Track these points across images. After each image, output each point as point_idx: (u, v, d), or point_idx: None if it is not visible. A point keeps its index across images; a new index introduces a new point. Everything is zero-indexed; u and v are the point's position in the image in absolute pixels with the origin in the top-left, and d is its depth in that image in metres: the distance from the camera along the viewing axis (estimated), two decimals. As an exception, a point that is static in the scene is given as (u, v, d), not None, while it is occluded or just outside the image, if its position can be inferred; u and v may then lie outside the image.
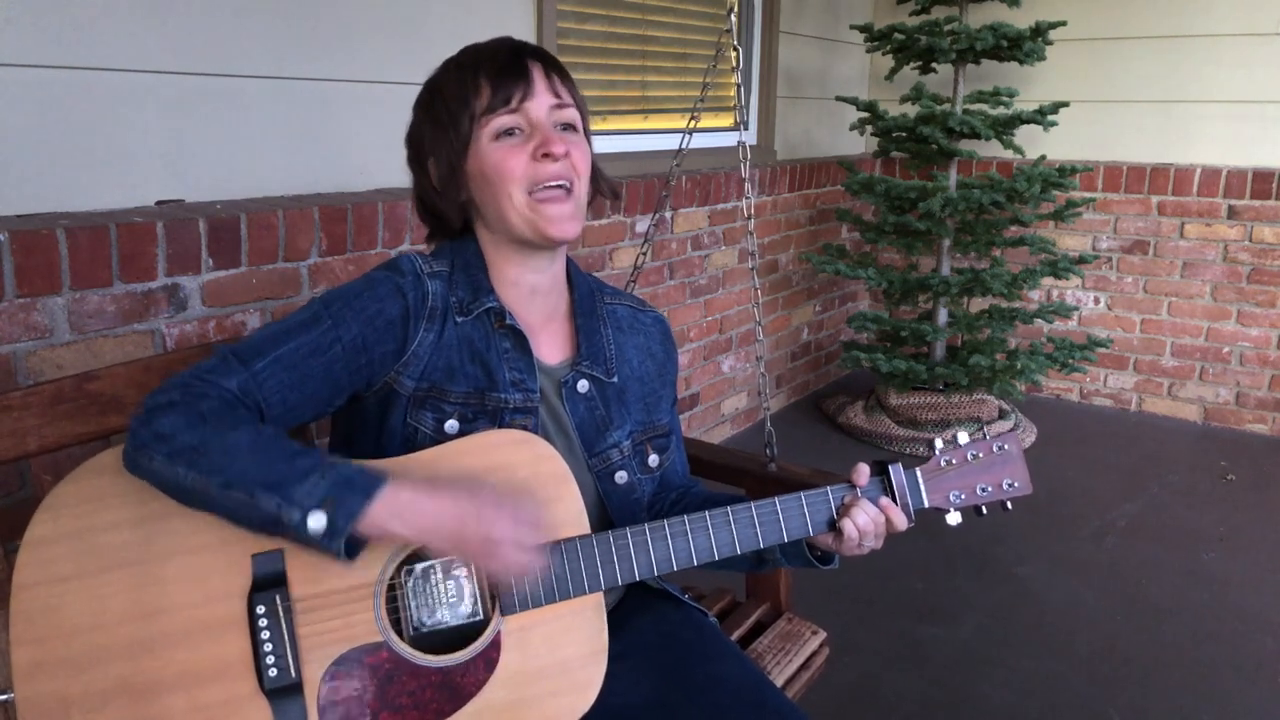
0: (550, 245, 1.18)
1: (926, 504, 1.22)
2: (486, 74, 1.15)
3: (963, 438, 1.24)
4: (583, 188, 1.19)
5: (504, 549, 1.01)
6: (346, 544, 0.98)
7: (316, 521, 0.96)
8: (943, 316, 3.82)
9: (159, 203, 1.91)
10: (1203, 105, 3.84)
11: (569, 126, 1.18)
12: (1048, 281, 4.18)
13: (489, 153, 1.15)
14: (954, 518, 1.24)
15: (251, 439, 0.99)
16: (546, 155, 1.13)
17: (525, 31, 2.66)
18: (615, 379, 1.27)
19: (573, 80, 1.22)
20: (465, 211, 1.23)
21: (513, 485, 1.07)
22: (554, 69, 1.19)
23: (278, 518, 0.96)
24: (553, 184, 1.15)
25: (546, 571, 1.07)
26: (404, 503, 0.99)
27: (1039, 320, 3.77)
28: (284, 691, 1.01)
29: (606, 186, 1.27)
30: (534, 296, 1.23)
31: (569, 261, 1.30)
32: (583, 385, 1.24)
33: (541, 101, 1.15)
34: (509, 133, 1.15)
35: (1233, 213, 3.85)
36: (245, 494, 0.96)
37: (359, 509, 0.97)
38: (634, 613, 1.31)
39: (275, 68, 2.06)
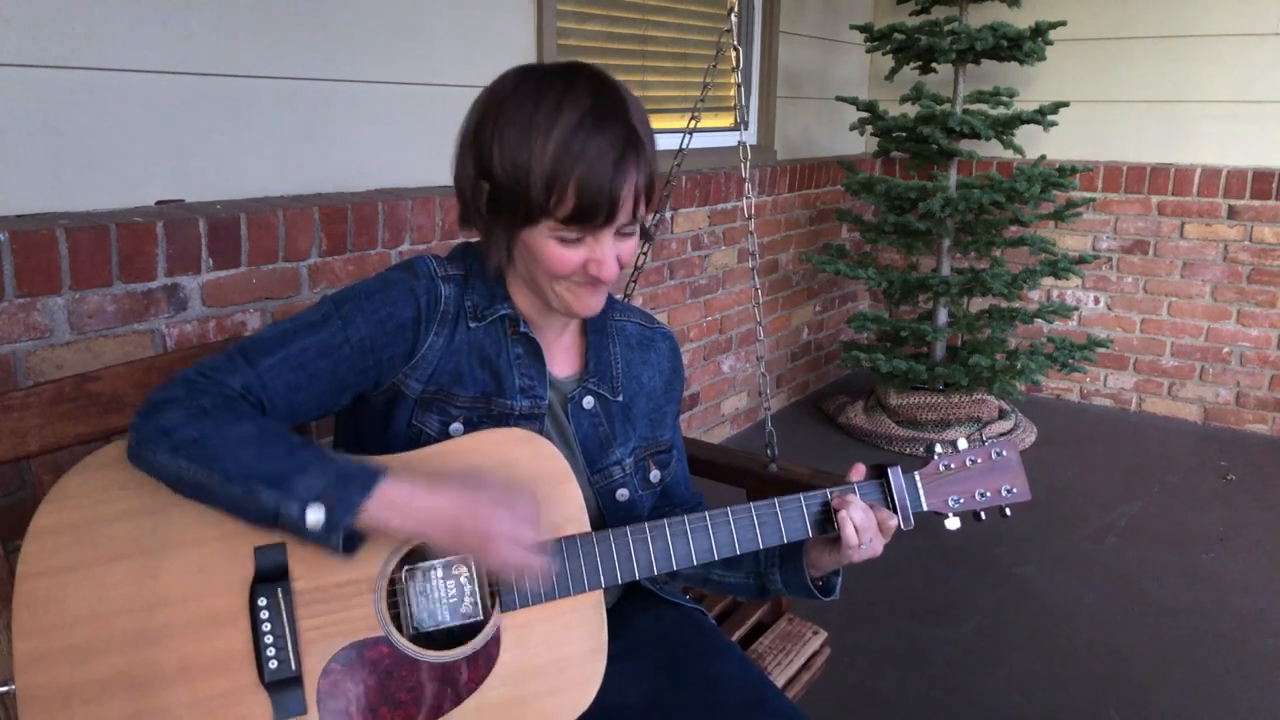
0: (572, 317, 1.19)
1: (925, 507, 1.23)
2: (579, 183, 1.05)
3: (961, 443, 1.25)
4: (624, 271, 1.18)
5: (501, 546, 1.01)
6: (345, 538, 0.98)
7: (315, 516, 0.96)
8: (943, 316, 3.82)
9: (159, 203, 1.91)
10: (1203, 105, 3.84)
11: (627, 233, 1.13)
12: (1048, 281, 4.18)
13: (544, 243, 1.10)
14: (953, 522, 1.24)
15: (252, 433, 0.99)
16: (596, 277, 1.11)
17: (526, 32, 2.66)
18: (621, 397, 1.27)
19: (655, 155, 1.14)
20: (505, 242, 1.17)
21: (513, 483, 1.07)
22: (647, 174, 1.10)
23: (276, 511, 0.97)
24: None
25: (548, 569, 1.06)
26: (402, 497, 1.00)
27: (1039, 320, 3.78)
28: (284, 684, 1.01)
29: (646, 240, 1.26)
30: (547, 317, 1.23)
31: None
32: (588, 401, 1.24)
33: (614, 225, 1.10)
34: (571, 239, 1.10)
35: (1233, 213, 3.85)
36: (244, 488, 0.97)
37: (357, 503, 0.97)
38: (633, 612, 1.31)
39: (275, 68, 2.06)
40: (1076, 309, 4.22)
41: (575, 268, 1.11)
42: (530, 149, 1.05)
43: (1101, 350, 3.96)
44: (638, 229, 1.15)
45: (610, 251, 1.11)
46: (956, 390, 3.78)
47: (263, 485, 0.97)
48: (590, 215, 1.07)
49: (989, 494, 1.24)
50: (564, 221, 1.07)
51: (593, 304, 1.16)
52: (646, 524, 1.14)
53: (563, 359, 1.26)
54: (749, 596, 1.39)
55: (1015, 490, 1.25)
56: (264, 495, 0.97)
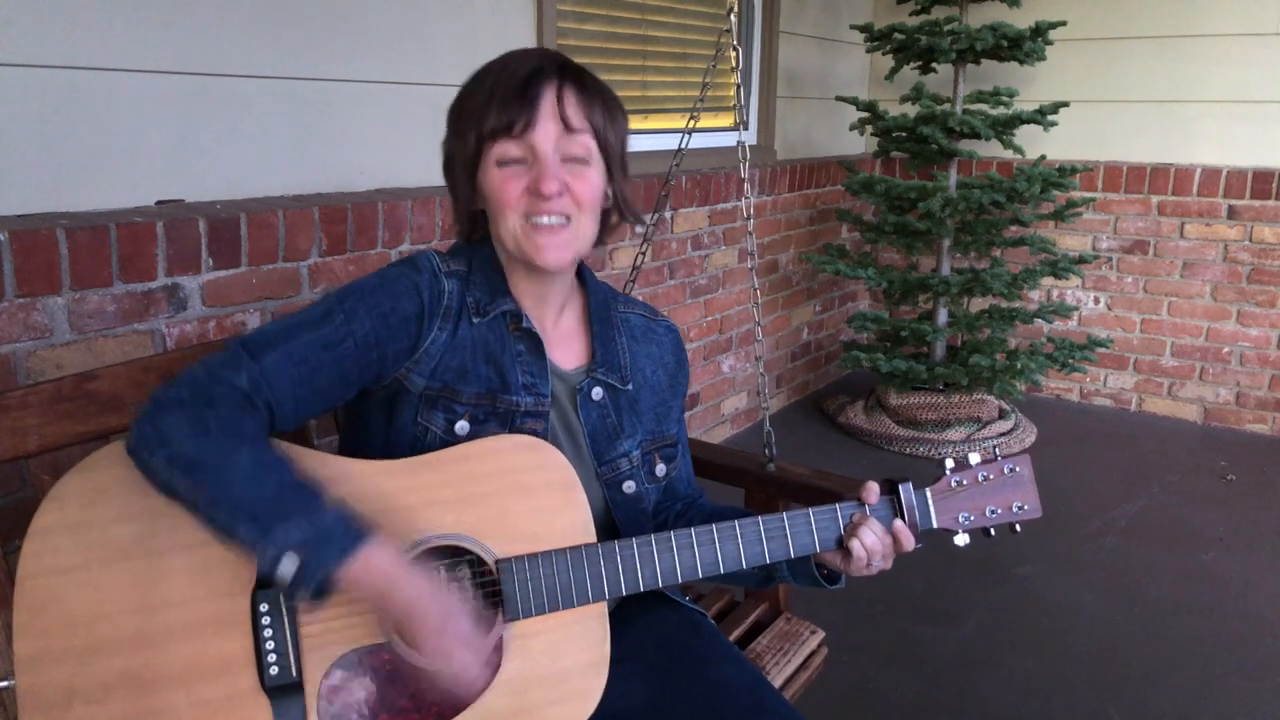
0: (539, 270, 1.17)
1: (935, 525, 1.22)
2: (498, 95, 1.11)
3: (974, 458, 1.23)
4: (586, 219, 1.16)
5: (445, 654, 1.01)
6: (315, 590, 0.97)
7: (287, 566, 0.95)
8: (943, 316, 3.82)
9: (159, 203, 1.91)
10: (1203, 105, 3.84)
11: (578, 158, 1.14)
12: (1048, 281, 4.18)
13: (491, 176, 1.13)
14: (961, 539, 1.23)
15: (249, 464, 0.98)
16: (538, 193, 1.11)
17: (525, 31, 2.66)
18: (629, 387, 1.27)
19: (605, 101, 1.16)
20: (478, 220, 1.22)
21: (476, 616, 1.05)
22: (577, 90, 1.13)
23: (252, 550, 0.97)
24: (547, 218, 1.13)
25: (474, 689, 1.05)
26: (375, 568, 0.98)
27: (1039, 320, 3.77)
28: (284, 690, 1.01)
29: (630, 213, 1.24)
30: (546, 304, 1.23)
31: (583, 267, 1.30)
32: (597, 392, 1.24)
33: (546, 131, 1.11)
34: (513, 160, 1.12)
35: (1233, 213, 3.85)
36: (228, 517, 0.97)
37: (330, 565, 0.96)
38: (632, 615, 1.30)
39: (275, 67, 2.06)
40: (1076, 309, 4.22)
41: (521, 192, 1.12)
42: (463, 98, 1.16)
43: (1101, 350, 3.96)
44: (595, 159, 1.15)
45: (551, 166, 1.11)
46: (956, 390, 3.78)
47: (245, 521, 0.96)
48: (514, 113, 1.10)
49: (1000, 510, 1.24)
50: (491, 135, 1.11)
51: (548, 245, 1.13)
52: (653, 537, 1.14)
53: (568, 351, 1.25)
54: (752, 585, 1.39)
55: (1026, 507, 1.24)
56: (244, 531, 0.96)
